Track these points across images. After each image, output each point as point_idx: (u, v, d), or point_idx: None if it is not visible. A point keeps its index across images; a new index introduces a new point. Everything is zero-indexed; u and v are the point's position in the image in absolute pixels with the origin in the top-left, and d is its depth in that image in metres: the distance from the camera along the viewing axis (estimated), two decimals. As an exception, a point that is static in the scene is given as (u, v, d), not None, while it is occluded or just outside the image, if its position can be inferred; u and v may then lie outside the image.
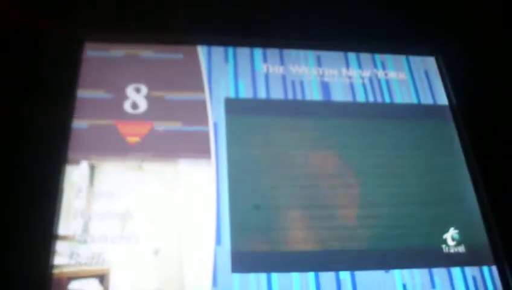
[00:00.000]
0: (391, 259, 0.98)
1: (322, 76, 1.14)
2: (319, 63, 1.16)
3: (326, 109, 1.11)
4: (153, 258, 0.92)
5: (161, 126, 1.03)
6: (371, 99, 1.14)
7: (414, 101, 1.15)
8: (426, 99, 1.16)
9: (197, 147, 1.02)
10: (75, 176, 0.96)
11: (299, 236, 0.98)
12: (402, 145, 1.10)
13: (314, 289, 0.94)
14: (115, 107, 1.04)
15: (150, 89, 1.07)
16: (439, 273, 0.98)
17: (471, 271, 0.99)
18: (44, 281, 0.87)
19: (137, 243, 0.92)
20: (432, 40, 1.22)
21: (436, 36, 1.22)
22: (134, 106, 1.05)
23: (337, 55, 1.18)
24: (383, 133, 1.10)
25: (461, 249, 1.01)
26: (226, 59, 1.13)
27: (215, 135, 1.04)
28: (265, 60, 1.14)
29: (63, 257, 0.89)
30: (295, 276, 0.94)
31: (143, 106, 1.05)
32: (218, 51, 1.14)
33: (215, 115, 1.06)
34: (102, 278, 0.89)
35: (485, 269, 1.00)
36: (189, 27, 1.14)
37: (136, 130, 1.02)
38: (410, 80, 1.17)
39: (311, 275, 0.94)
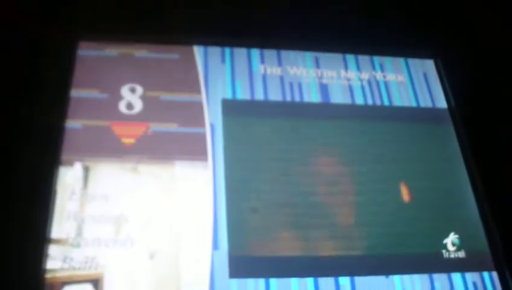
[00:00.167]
0: (391, 264, 0.96)
1: (320, 78, 1.13)
2: (317, 64, 1.14)
3: (325, 111, 1.10)
4: (149, 262, 0.89)
5: (150, 129, 1.01)
6: (370, 101, 1.12)
7: (413, 103, 1.14)
8: (425, 102, 1.15)
9: (194, 149, 1.00)
10: (68, 177, 0.94)
11: (297, 241, 0.96)
12: (401, 149, 1.08)
13: (314, 294, 0.92)
14: (109, 108, 1.02)
15: (146, 89, 1.05)
16: (440, 278, 0.96)
17: (471, 277, 0.97)
18: (37, 286, 0.84)
19: (132, 246, 0.90)
20: (431, 43, 1.21)
21: (435, 39, 1.21)
22: (130, 106, 1.02)
23: (336, 57, 1.17)
24: (382, 136, 1.09)
25: (461, 254, 0.99)
26: (223, 59, 1.11)
27: (212, 137, 1.02)
28: (262, 61, 1.13)
29: (56, 261, 0.87)
30: (294, 281, 0.92)
31: (138, 106, 1.03)
32: (214, 51, 1.12)
33: (212, 117, 1.04)
34: (96, 282, 0.86)
35: (486, 274, 0.98)
36: (185, 27, 1.12)
37: (131, 131, 1.00)
38: (409, 83, 1.16)
39: (310, 280, 0.92)
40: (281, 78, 1.11)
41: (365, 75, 1.15)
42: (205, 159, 0.99)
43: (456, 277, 0.97)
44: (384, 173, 1.05)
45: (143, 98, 1.04)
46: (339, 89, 1.13)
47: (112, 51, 1.08)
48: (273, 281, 0.91)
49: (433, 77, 1.18)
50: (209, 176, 0.98)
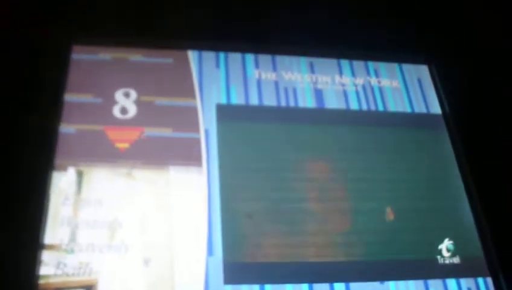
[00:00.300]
0: (386, 270, 0.96)
1: (315, 83, 1.13)
2: (312, 69, 1.14)
3: (320, 116, 1.09)
4: (143, 268, 0.89)
5: (145, 134, 1.00)
6: (365, 107, 1.12)
7: (407, 109, 1.14)
8: (419, 108, 1.15)
9: (188, 154, 1.00)
10: (62, 182, 0.93)
11: (292, 247, 0.96)
12: (396, 154, 1.08)
13: (309, 301, 0.92)
14: (103, 112, 1.01)
15: (140, 94, 1.04)
16: (435, 284, 0.96)
17: (466, 282, 0.98)
18: (30, 292, 0.83)
19: (127, 252, 0.89)
20: (425, 48, 1.21)
21: (429, 45, 1.21)
22: (124, 111, 1.02)
23: (330, 62, 1.17)
24: (376, 142, 1.09)
25: (456, 260, 0.99)
26: (217, 64, 1.11)
27: (206, 142, 1.01)
28: (257, 66, 1.13)
29: (49, 267, 0.86)
30: (289, 288, 0.92)
31: (132, 111, 1.02)
32: (209, 56, 1.11)
33: (207, 122, 1.03)
34: (90, 288, 0.86)
35: (480, 280, 0.98)
36: (180, 32, 1.11)
37: (126, 135, 0.99)
38: (404, 88, 1.16)
39: (305, 286, 0.92)
40: (276, 83, 1.11)
41: (360, 81, 1.15)
42: (200, 164, 0.99)
43: (451, 282, 0.97)
44: (378, 178, 1.05)
45: (137, 102, 1.03)
46: (333, 94, 1.12)
47: (106, 55, 1.07)
48: (267, 287, 0.91)
49: (427, 82, 1.18)
50: (204, 182, 0.98)
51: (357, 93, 1.14)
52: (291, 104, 1.10)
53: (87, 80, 1.04)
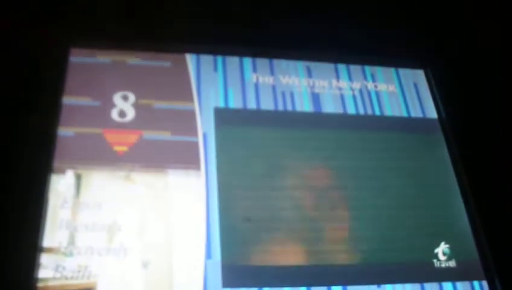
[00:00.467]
0: (383, 274, 0.97)
1: (312, 87, 1.13)
2: (309, 74, 1.15)
3: (317, 121, 1.10)
4: (142, 271, 0.89)
5: (143, 137, 1.00)
6: (361, 111, 1.13)
7: (404, 113, 1.15)
8: (416, 112, 1.16)
9: (187, 158, 1.00)
10: (60, 185, 0.93)
11: (290, 250, 0.96)
12: (392, 159, 1.09)
13: (306, 304, 0.93)
14: (102, 115, 1.01)
15: (138, 97, 1.04)
16: (431, 287, 0.97)
17: (462, 286, 0.98)
18: (29, 295, 0.83)
19: (126, 255, 0.89)
20: (421, 53, 1.22)
21: (425, 49, 1.22)
22: (122, 114, 1.02)
23: (327, 67, 1.17)
24: (373, 146, 1.09)
25: (452, 263, 1.00)
26: (215, 68, 1.11)
27: (204, 146, 1.02)
28: (255, 69, 1.13)
29: (47, 270, 0.86)
30: (287, 291, 0.92)
31: (131, 114, 1.02)
32: (207, 59, 1.12)
33: (205, 125, 1.04)
34: (88, 292, 0.86)
35: (476, 283, 0.99)
36: (178, 35, 1.12)
37: (124, 139, 0.99)
38: (400, 93, 1.17)
39: (303, 290, 0.93)
40: (273, 87, 1.12)
41: (357, 85, 1.16)
42: (198, 168, 0.99)
43: (447, 286, 0.98)
44: (375, 182, 1.06)
45: (135, 106, 1.03)
46: (330, 98, 1.13)
47: (104, 58, 1.08)
48: (266, 290, 0.92)
49: (424, 87, 1.19)
50: (202, 186, 0.98)
51: (354, 97, 1.14)
52: (289, 108, 1.10)
53: (86, 83, 1.04)
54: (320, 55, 1.17)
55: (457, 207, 1.06)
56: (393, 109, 1.15)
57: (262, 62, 1.14)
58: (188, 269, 0.90)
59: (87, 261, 0.87)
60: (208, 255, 0.92)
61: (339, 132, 1.10)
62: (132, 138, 1.00)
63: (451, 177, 1.09)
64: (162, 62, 1.10)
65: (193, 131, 1.03)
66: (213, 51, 1.13)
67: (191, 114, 1.05)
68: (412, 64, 1.22)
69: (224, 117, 1.06)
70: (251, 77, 1.12)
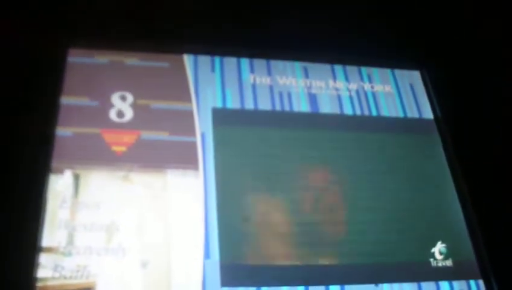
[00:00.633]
0: (381, 273, 0.97)
1: (309, 88, 1.14)
2: (306, 74, 1.15)
3: (314, 121, 1.11)
4: (141, 271, 0.89)
5: (141, 137, 1.01)
6: (358, 111, 1.14)
7: (400, 114, 1.16)
8: (412, 113, 1.16)
9: (185, 158, 1.00)
10: (59, 185, 0.93)
11: (288, 250, 0.97)
12: (389, 158, 1.10)
13: (304, 303, 0.93)
14: (100, 115, 1.01)
15: (136, 97, 1.05)
16: (428, 287, 0.98)
17: (458, 285, 0.99)
18: (28, 295, 0.83)
19: (124, 255, 0.89)
20: (417, 54, 1.23)
21: (421, 50, 1.23)
22: (120, 114, 1.02)
23: (324, 67, 1.18)
24: (370, 146, 1.10)
25: (449, 262, 1.01)
26: (213, 68, 1.11)
27: (202, 146, 1.02)
28: (252, 70, 1.13)
29: (46, 270, 0.86)
30: (285, 290, 0.93)
31: (129, 114, 1.03)
32: (204, 60, 1.12)
33: (203, 125, 1.04)
34: (87, 291, 0.86)
35: (472, 282, 1.00)
36: (175, 36, 1.12)
37: (122, 139, 1.00)
38: (396, 93, 1.18)
39: (300, 289, 0.93)
40: (271, 88, 1.12)
41: (353, 86, 1.17)
42: (196, 167, 0.99)
43: (444, 285, 0.99)
44: (372, 181, 1.06)
45: (133, 106, 1.03)
46: (327, 99, 1.14)
47: (103, 58, 1.08)
48: (264, 289, 0.92)
49: (420, 87, 1.20)
50: (200, 185, 0.98)
51: (351, 98, 1.15)
52: (286, 108, 1.11)
53: (84, 83, 1.04)
54: (317, 56, 1.18)
55: (454, 207, 1.07)
56: (389, 109, 1.15)
57: (260, 63, 1.15)
58: (187, 268, 0.91)
59: (86, 261, 0.87)
60: (207, 254, 0.92)
61: (336, 132, 1.11)
62: (130, 138, 1.00)
63: (447, 176, 1.10)
64: (160, 62, 1.10)
65: (191, 131, 1.03)
66: (211, 52, 1.13)
67: (189, 114, 1.05)
68: (408, 65, 1.23)
69: (222, 117, 1.06)
70: (248, 78, 1.12)
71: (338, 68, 1.18)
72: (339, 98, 1.14)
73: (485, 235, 1.03)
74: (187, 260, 0.91)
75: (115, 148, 0.98)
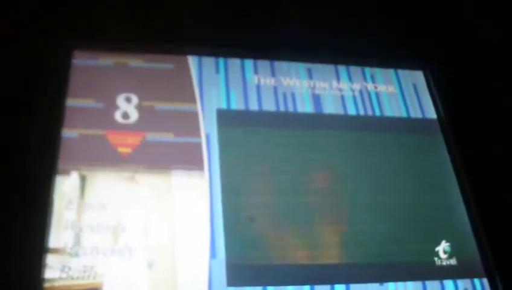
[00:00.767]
0: (385, 272, 0.98)
1: (313, 88, 1.14)
2: (310, 75, 1.16)
3: (318, 121, 1.11)
4: (147, 271, 0.90)
5: (147, 138, 1.01)
6: (362, 112, 1.14)
7: (403, 114, 1.16)
8: (415, 113, 1.17)
9: (190, 159, 1.01)
10: (65, 187, 0.93)
11: (293, 249, 0.97)
12: (393, 158, 1.10)
13: (310, 302, 0.94)
14: (105, 117, 1.02)
15: (141, 99, 1.05)
16: (432, 285, 0.98)
17: (463, 284, 0.99)
18: (35, 295, 0.84)
19: (131, 256, 0.90)
20: (420, 54, 1.23)
21: (424, 50, 1.24)
22: (125, 115, 1.03)
23: (328, 68, 1.18)
24: (374, 146, 1.11)
25: (453, 261, 1.01)
26: (217, 70, 1.12)
27: (207, 147, 1.02)
28: (256, 71, 1.14)
29: (54, 270, 0.86)
30: (290, 289, 0.93)
31: (134, 116, 1.03)
32: (208, 61, 1.13)
33: (207, 126, 1.05)
34: (94, 292, 0.87)
35: (477, 281, 1.00)
36: (180, 37, 1.13)
37: (128, 140, 1.00)
38: (400, 94, 1.18)
39: (306, 288, 0.94)
40: (275, 89, 1.13)
41: (357, 86, 1.17)
42: (201, 168, 1.00)
43: (448, 283, 0.99)
44: (376, 182, 1.07)
45: (138, 107, 1.04)
46: (331, 99, 1.14)
47: (107, 60, 1.08)
48: (270, 288, 0.92)
49: (423, 87, 1.20)
50: (206, 186, 0.99)
51: (354, 98, 1.15)
52: (290, 109, 1.11)
53: (89, 85, 1.04)
54: (321, 57, 1.18)
55: (457, 206, 1.07)
56: (393, 109, 1.16)
57: (264, 64, 1.15)
58: (193, 268, 0.91)
59: (92, 262, 0.88)
60: (213, 254, 0.93)
61: (340, 133, 1.11)
62: (135, 139, 1.01)
63: (450, 176, 1.10)
64: (164, 64, 1.11)
65: (196, 132, 1.04)
66: (215, 53, 1.13)
67: (194, 115, 1.05)
68: (411, 66, 1.23)
69: (227, 118, 1.07)
70: (253, 79, 1.13)
71: (341, 69, 1.19)
72: (343, 98, 1.15)
73: (489, 234, 1.04)
74: (193, 260, 0.92)
75: (121, 149, 0.99)
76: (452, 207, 1.07)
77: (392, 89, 1.19)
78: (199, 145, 1.02)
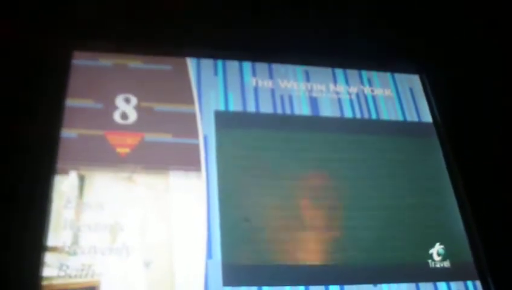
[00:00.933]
0: (379, 274, 0.99)
1: (310, 91, 1.15)
2: (307, 78, 1.17)
3: (315, 124, 1.12)
4: (144, 270, 0.91)
5: (145, 139, 1.02)
6: (358, 115, 1.15)
7: (400, 117, 1.17)
8: (411, 117, 1.18)
9: (188, 160, 1.02)
10: (64, 186, 0.94)
11: (289, 250, 0.98)
12: (388, 161, 1.11)
13: (304, 302, 0.95)
14: (104, 117, 1.03)
15: (140, 99, 1.06)
16: (426, 287, 0.99)
17: (456, 286, 1.01)
18: (33, 293, 0.85)
19: (128, 255, 0.91)
20: (416, 58, 1.24)
21: (420, 54, 1.25)
22: (124, 116, 1.04)
23: (325, 71, 1.19)
24: (370, 149, 1.12)
25: (446, 264, 1.02)
26: (216, 72, 1.13)
27: (205, 148, 1.03)
28: (254, 74, 1.15)
29: (52, 269, 0.87)
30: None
31: (133, 116, 1.04)
32: (207, 63, 1.14)
33: (205, 128, 1.06)
34: (92, 290, 0.88)
35: (470, 283, 1.01)
36: (178, 39, 1.14)
37: (126, 140, 1.01)
38: (396, 97, 1.19)
39: (301, 289, 0.95)
40: (272, 91, 1.14)
41: (354, 89, 1.18)
42: (199, 169, 1.01)
43: (442, 285, 1.00)
44: (371, 184, 1.08)
45: (137, 108, 1.05)
46: (328, 102, 1.15)
47: (107, 61, 1.09)
48: (265, 289, 0.93)
49: (419, 91, 1.22)
50: (203, 187, 1.00)
51: (351, 101, 1.16)
52: (287, 111, 1.12)
53: (88, 86, 1.05)
54: (318, 60, 1.19)
55: (452, 209, 1.09)
56: (389, 113, 1.17)
57: (262, 66, 1.16)
58: (189, 268, 0.92)
59: (90, 261, 0.89)
60: (209, 255, 0.94)
61: (336, 135, 1.12)
62: (134, 139, 1.02)
63: (445, 179, 1.11)
64: (163, 66, 1.12)
65: (194, 133, 1.05)
66: (213, 55, 1.15)
67: (192, 117, 1.06)
68: (408, 69, 1.24)
69: (224, 120, 1.07)
70: (250, 81, 1.14)
71: (339, 72, 1.20)
72: (340, 101, 1.16)
73: (482, 237, 1.05)
74: (189, 260, 0.93)
75: (119, 149, 1.00)
76: (446, 210, 1.08)
77: (389, 92, 1.20)
78: (197, 146, 1.03)
